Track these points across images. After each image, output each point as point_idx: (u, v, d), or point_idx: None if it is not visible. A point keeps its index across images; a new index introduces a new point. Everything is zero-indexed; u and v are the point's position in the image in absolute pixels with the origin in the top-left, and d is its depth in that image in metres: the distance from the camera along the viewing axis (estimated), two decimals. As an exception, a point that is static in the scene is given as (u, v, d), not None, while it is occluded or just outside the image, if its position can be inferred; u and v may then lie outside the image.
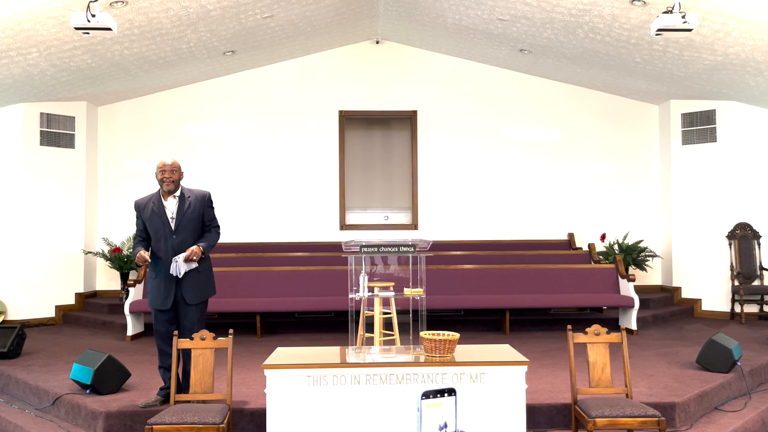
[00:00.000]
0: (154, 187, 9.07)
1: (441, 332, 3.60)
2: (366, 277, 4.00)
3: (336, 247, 8.61)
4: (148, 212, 4.43)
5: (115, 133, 9.24)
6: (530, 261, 8.15)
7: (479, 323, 7.53)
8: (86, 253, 8.62)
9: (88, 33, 5.18)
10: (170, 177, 4.38)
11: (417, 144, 9.43)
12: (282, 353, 3.73)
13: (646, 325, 7.54)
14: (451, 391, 2.25)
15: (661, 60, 7.43)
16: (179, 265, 4.31)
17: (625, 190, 9.40)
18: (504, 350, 3.77)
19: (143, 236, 4.49)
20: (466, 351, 3.71)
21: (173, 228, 4.39)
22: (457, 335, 3.57)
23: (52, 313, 8.32)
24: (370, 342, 5.03)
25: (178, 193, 4.45)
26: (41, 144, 8.31)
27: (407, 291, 3.96)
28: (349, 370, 3.42)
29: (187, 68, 8.46)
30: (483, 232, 9.36)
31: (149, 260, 4.31)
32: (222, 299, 7.08)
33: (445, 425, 2.21)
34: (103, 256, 8.54)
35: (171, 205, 4.42)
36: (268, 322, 7.39)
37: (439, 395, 2.22)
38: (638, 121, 9.43)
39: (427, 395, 2.20)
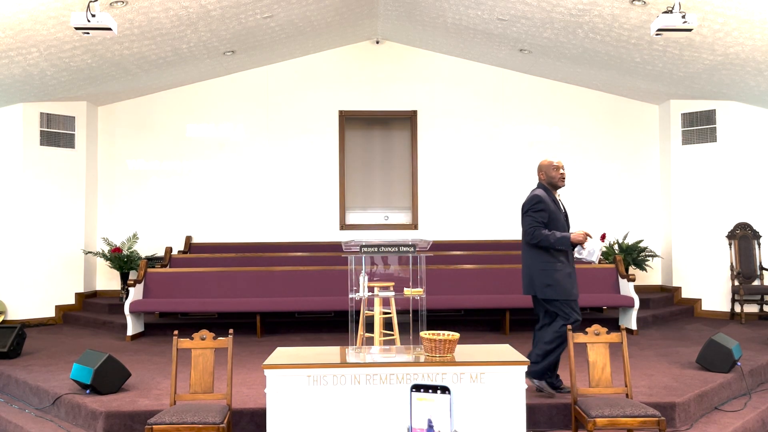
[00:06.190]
0: (153, 187, 9.15)
1: (441, 332, 3.59)
2: (366, 277, 3.99)
3: (336, 247, 8.61)
4: (551, 207, 4.59)
5: (115, 133, 9.24)
6: (530, 261, 8.12)
7: (479, 323, 7.53)
8: (86, 253, 8.62)
9: (88, 33, 5.18)
10: (564, 175, 4.66)
11: (417, 144, 9.43)
12: (282, 353, 3.73)
13: (646, 325, 7.54)
14: (445, 389, 2.23)
15: (661, 60, 7.43)
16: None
17: (625, 190, 9.40)
18: (504, 350, 3.76)
19: (544, 227, 4.59)
20: (466, 351, 3.71)
21: (567, 225, 4.66)
22: (457, 335, 3.57)
23: (52, 313, 8.32)
24: (370, 342, 5.04)
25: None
26: (41, 144, 8.31)
27: (407, 291, 3.96)
28: (349, 370, 3.41)
29: (187, 68, 8.46)
30: (483, 232, 9.35)
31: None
32: (222, 299, 7.08)
33: (431, 422, 2.20)
34: (103, 256, 8.54)
35: (561, 203, 4.70)
36: (268, 322, 7.39)
37: (430, 390, 2.21)
38: (638, 121, 9.43)
39: (417, 388, 2.19)
